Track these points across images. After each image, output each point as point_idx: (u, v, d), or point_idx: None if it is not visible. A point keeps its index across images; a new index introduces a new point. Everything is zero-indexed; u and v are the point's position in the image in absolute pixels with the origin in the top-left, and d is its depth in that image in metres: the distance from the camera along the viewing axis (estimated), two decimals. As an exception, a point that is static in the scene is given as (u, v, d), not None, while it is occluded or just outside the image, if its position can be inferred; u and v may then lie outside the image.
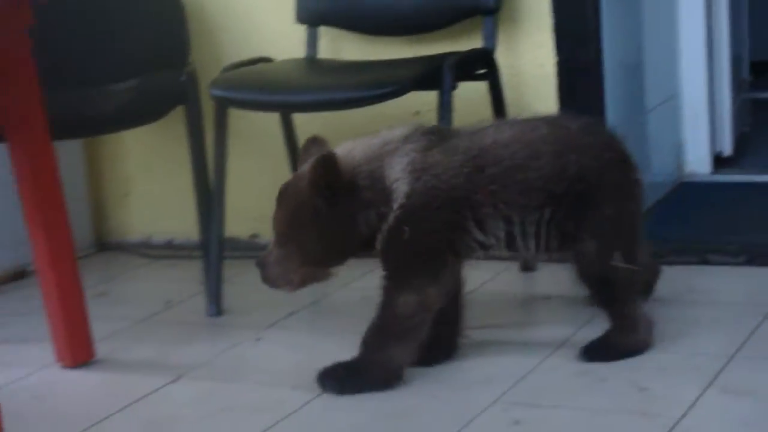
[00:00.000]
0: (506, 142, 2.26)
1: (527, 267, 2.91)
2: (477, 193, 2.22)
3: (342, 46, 3.12)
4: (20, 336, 2.74)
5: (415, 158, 2.23)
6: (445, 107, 2.60)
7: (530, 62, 2.95)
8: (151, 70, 2.97)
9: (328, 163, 2.20)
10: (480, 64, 2.79)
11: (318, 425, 2.13)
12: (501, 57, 2.87)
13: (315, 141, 2.35)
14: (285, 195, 2.27)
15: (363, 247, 2.27)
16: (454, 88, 2.62)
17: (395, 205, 2.21)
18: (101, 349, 2.54)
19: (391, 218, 2.21)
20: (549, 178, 2.24)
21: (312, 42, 3.04)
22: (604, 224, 2.26)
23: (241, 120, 3.09)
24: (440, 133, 2.30)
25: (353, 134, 3.09)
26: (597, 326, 2.47)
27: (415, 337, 2.23)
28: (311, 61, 3.01)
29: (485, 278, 2.87)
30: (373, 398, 2.20)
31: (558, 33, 2.90)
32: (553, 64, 2.92)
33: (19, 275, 3.19)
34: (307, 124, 3.12)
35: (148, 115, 2.92)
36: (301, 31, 3.08)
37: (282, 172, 3.03)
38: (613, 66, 2.97)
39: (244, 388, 2.32)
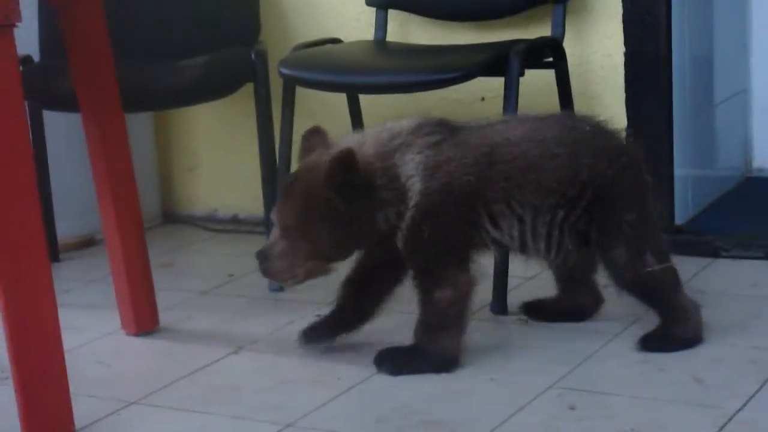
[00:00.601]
0: (518, 140, 2.24)
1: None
2: (489, 189, 2.20)
3: (410, 30, 3.14)
4: (87, 302, 2.79)
5: (428, 155, 2.20)
6: (511, 94, 2.61)
7: (598, 52, 2.94)
8: (222, 47, 3.01)
9: (347, 161, 2.15)
10: (548, 53, 2.80)
11: (375, 402, 2.15)
12: (569, 46, 2.87)
13: (316, 132, 2.30)
14: (294, 187, 2.22)
15: (378, 244, 2.25)
16: (521, 75, 2.63)
17: (411, 203, 2.19)
18: (165, 318, 2.59)
19: (407, 217, 2.19)
20: (562, 180, 2.21)
21: (381, 25, 3.06)
22: (629, 230, 2.24)
23: (308, 99, 3.13)
24: (448, 126, 2.27)
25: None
26: (654, 316, 2.48)
27: (461, 324, 2.25)
28: (380, 43, 3.04)
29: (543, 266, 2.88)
30: (430, 379, 2.22)
31: (627, 24, 2.89)
32: (621, 55, 2.91)
33: (87, 242, 3.25)
34: (373, 106, 3.15)
35: (218, 91, 2.97)
36: (370, 13, 3.11)
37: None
38: (683, 59, 2.96)
39: (303, 362, 2.36)
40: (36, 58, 3.09)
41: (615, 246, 2.24)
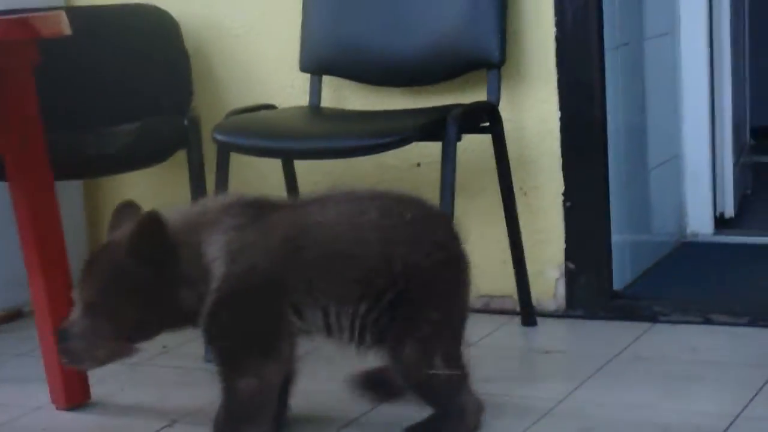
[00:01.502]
0: (331, 223, 2.10)
1: (528, 321, 2.89)
2: (292, 277, 2.07)
3: (345, 96, 3.12)
4: (15, 376, 2.71)
5: (232, 237, 2.06)
6: (448, 158, 2.59)
7: (534, 117, 2.94)
8: (154, 114, 2.96)
9: (154, 223, 2.03)
10: (484, 117, 2.79)
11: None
12: (505, 111, 2.87)
13: (128, 206, 2.19)
14: (96, 262, 2.09)
15: (181, 323, 2.12)
16: (458, 139, 2.62)
17: (212, 287, 2.06)
18: (96, 391, 2.51)
19: (208, 302, 2.06)
20: (371, 270, 2.07)
21: (315, 91, 3.04)
22: (427, 328, 2.09)
23: (242, 166, 3.09)
24: (261, 206, 2.13)
25: (354, 182, 3.12)
26: (598, 381, 2.46)
27: (266, 415, 2.12)
28: (314, 109, 3.01)
29: (486, 331, 2.86)
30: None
31: (562, 89, 2.90)
32: (557, 120, 2.92)
33: (15, 315, 3.16)
34: (308, 173, 3.12)
35: (150, 158, 2.92)
36: (304, 79, 3.08)
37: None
38: (617, 124, 2.97)
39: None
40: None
41: (407, 343, 2.09)
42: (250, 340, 2.08)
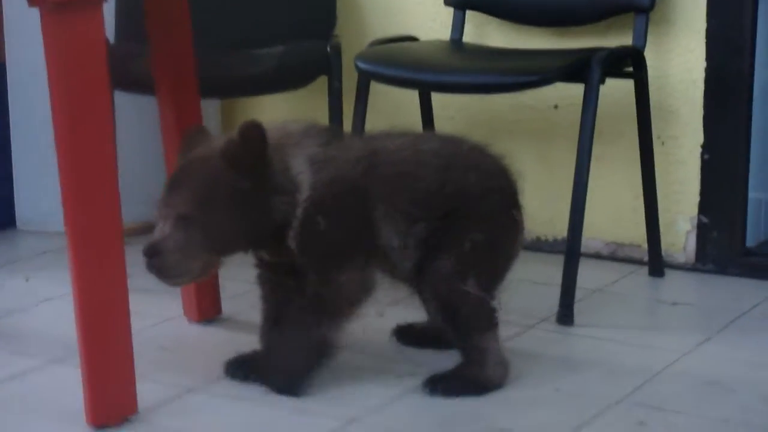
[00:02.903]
0: (396, 148, 2.17)
1: (656, 272, 2.87)
2: (372, 189, 2.11)
3: (487, 32, 3.11)
4: (148, 287, 2.73)
5: (316, 152, 2.11)
6: (590, 101, 2.57)
7: (679, 66, 2.90)
8: (298, 38, 2.99)
9: (257, 131, 2.03)
10: (628, 62, 2.75)
11: (439, 405, 2.12)
12: (648, 58, 2.83)
13: (199, 131, 2.19)
14: (187, 174, 2.08)
15: (269, 239, 2.11)
16: (601, 83, 2.59)
17: (303, 197, 2.08)
18: (227, 307, 2.58)
19: (299, 212, 2.08)
20: (429, 192, 2.14)
21: (458, 25, 3.04)
22: (468, 246, 2.13)
23: (379, 96, 3.11)
24: (335, 132, 2.21)
25: (489, 120, 3.12)
26: (725, 337, 2.44)
27: (349, 316, 2.13)
28: (456, 43, 3.01)
29: (612, 279, 2.85)
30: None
31: (711, 39, 2.84)
32: (702, 71, 2.87)
33: (151, 229, 3.23)
34: (444, 107, 3.12)
35: (291, 82, 2.95)
36: (447, 14, 3.08)
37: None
38: (764, 80, 2.91)
39: (367, 356, 2.33)
40: (111, 41, 3.08)
41: (444, 257, 2.12)
42: (346, 242, 2.10)
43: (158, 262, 2.03)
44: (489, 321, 2.17)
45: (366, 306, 2.16)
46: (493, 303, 2.17)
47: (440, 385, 2.15)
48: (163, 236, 2.05)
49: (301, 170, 2.09)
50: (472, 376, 2.16)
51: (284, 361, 2.16)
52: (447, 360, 2.23)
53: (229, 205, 2.04)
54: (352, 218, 2.11)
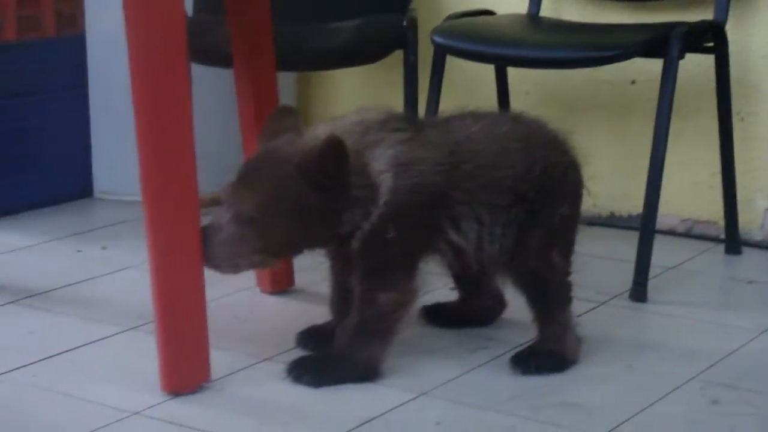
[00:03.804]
0: (477, 137, 2.12)
1: (732, 249, 2.84)
2: (454, 189, 2.07)
3: (564, 7, 3.08)
4: None
5: (400, 151, 2.04)
6: (669, 77, 2.54)
7: (761, 41, 2.85)
8: (375, 12, 2.99)
9: (337, 150, 1.97)
10: (708, 37, 2.71)
11: (511, 379, 2.12)
12: (728, 32, 2.78)
13: (287, 111, 2.15)
14: (259, 171, 2.04)
15: (330, 243, 2.11)
16: (681, 58, 2.56)
17: (381, 201, 2.02)
18: (300, 279, 2.59)
19: (374, 216, 2.03)
20: (518, 176, 2.11)
21: (535, -1, 3.02)
22: (556, 220, 2.14)
23: (455, 71, 3.09)
24: (413, 123, 2.14)
25: (564, 95, 3.10)
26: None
27: (394, 333, 2.10)
28: (533, 17, 2.99)
29: (687, 256, 2.82)
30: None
31: (794, 12, 2.80)
32: (785, 46, 2.83)
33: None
34: (520, 82, 3.11)
35: (367, 56, 2.95)
36: (525, -13, 3.06)
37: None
38: None
39: (436, 332, 2.33)
40: (189, 13, 3.11)
41: (534, 232, 2.12)
42: (401, 256, 2.08)
43: (206, 248, 2.02)
44: (569, 294, 2.18)
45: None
46: (570, 284, 2.17)
47: (532, 363, 2.13)
48: (219, 226, 2.02)
49: (383, 170, 2.04)
50: (556, 352, 2.15)
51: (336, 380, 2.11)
52: (516, 333, 2.24)
53: (294, 217, 2.01)
54: (422, 227, 2.08)
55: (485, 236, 2.12)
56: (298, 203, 2.00)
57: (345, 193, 2.01)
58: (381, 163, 2.04)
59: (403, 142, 2.07)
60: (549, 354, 2.15)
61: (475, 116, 2.19)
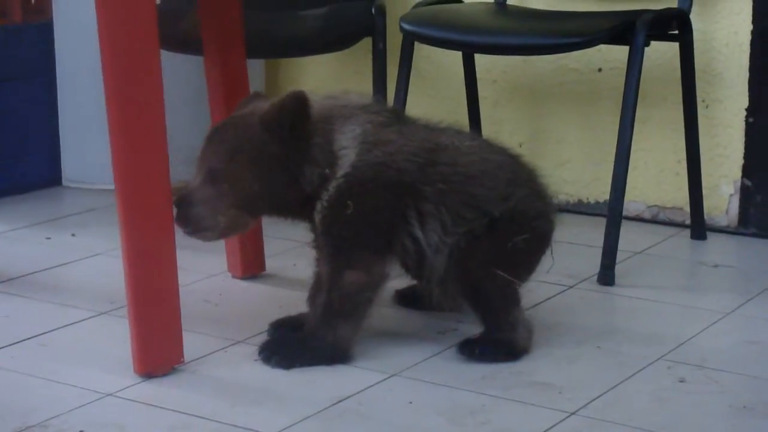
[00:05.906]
0: (467, 150, 2.14)
1: (698, 234, 2.88)
2: (426, 185, 2.08)
3: (531, -5, 3.11)
4: (194, 244, 2.75)
5: (368, 130, 2.09)
6: (634, 64, 2.57)
7: (725, 29, 2.89)
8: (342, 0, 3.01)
9: (299, 102, 2.04)
10: (673, 25, 2.75)
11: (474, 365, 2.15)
12: (693, 20, 2.82)
13: (258, 97, 2.20)
14: (224, 130, 2.10)
15: (297, 207, 2.12)
16: (646, 45, 2.59)
17: (339, 173, 2.06)
18: (271, 264, 2.61)
19: (332, 188, 2.06)
20: (492, 200, 2.11)
21: (502, -12, 3.04)
22: (508, 246, 2.12)
23: (423, 59, 3.11)
24: (399, 115, 2.18)
25: (532, 83, 3.12)
26: (767, 299, 2.45)
27: (363, 316, 2.11)
28: (500, 5, 3.01)
29: (653, 241, 2.85)
30: (538, 343, 2.20)
31: (757, 2, 2.83)
32: (748, 33, 2.86)
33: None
34: (487, 71, 3.13)
35: (335, 43, 2.97)
36: (491, -25, 3.08)
37: (459, 114, 3.05)
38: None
39: (406, 314, 2.36)
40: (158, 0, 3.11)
41: (482, 247, 2.11)
42: (367, 234, 2.08)
43: (185, 214, 2.07)
44: (515, 298, 2.16)
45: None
46: (517, 285, 2.16)
47: (476, 348, 2.14)
48: (192, 190, 2.09)
49: (346, 146, 2.07)
50: (503, 340, 2.15)
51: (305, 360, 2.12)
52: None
53: (257, 165, 2.06)
54: (385, 212, 2.08)
55: (439, 244, 2.10)
56: (262, 152, 2.05)
57: (306, 147, 2.06)
58: (346, 138, 2.08)
59: (376, 125, 2.10)
60: (495, 342, 2.15)
61: (474, 137, 2.25)
